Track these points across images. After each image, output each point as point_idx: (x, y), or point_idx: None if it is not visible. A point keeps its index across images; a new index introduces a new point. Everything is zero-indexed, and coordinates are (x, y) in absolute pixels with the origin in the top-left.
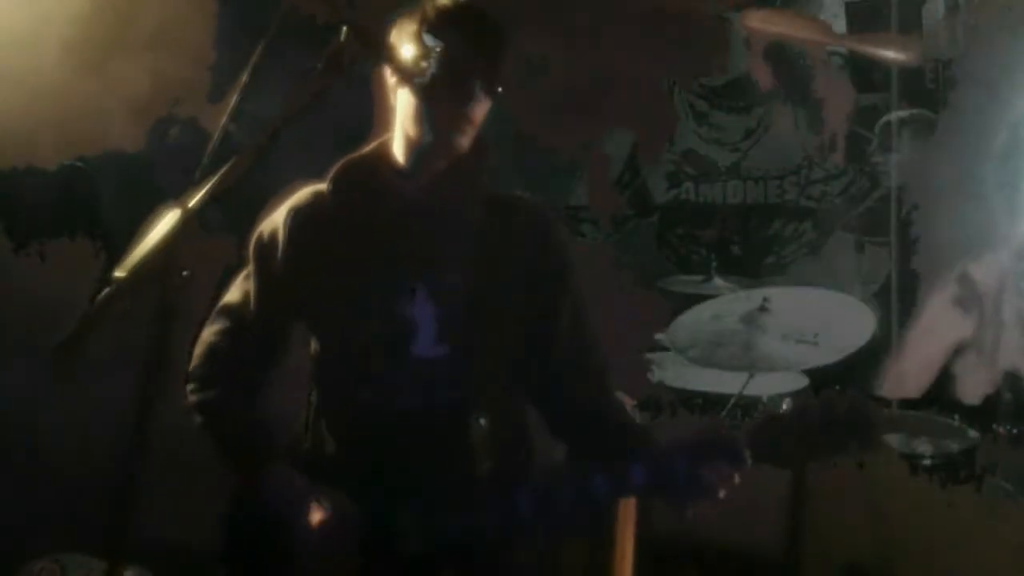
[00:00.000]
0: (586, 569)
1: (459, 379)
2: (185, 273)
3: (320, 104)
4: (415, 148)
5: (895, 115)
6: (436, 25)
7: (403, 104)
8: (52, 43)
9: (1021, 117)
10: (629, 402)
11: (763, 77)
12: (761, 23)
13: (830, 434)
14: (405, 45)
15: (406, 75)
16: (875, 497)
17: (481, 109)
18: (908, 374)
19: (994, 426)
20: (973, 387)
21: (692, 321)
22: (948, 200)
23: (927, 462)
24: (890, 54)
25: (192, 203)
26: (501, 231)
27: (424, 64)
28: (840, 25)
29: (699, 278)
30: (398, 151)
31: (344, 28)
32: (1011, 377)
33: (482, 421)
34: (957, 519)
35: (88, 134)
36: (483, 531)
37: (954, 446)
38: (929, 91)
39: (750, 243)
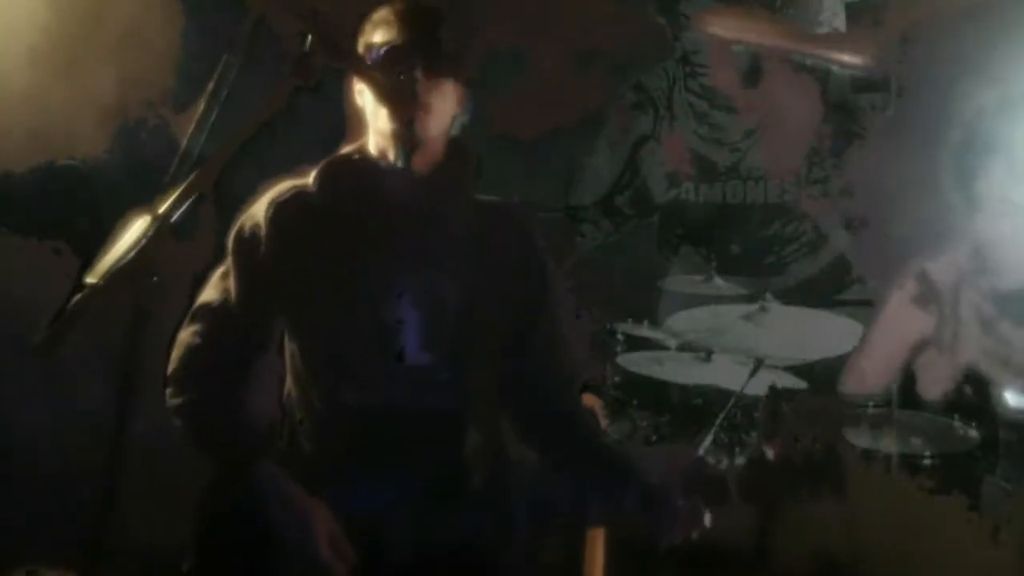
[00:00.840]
0: (559, 567)
1: (445, 386)
2: (155, 279)
3: (287, 111)
4: (383, 140)
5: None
6: (379, 22)
7: (367, 100)
8: (19, 50)
9: (975, 114)
10: (595, 401)
11: (726, 83)
12: (719, 28)
13: (809, 481)
14: (359, 49)
15: (360, 73)
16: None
17: (434, 93)
18: (869, 371)
19: (954, 420)
20: (933, 383)
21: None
22: (905, 198)
23: (926, 462)
24: (844, 57)
25: (162, 209)
26: (487, 238)
27: (370, 59)
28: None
29: (699, 278)
30: (373, 149)
31: (309, 37)
32: (971, 373)
33: (468, 439)
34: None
35: (56, 139)
36: (470, 540)
37: (954, 448)
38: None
39: (750, 243)
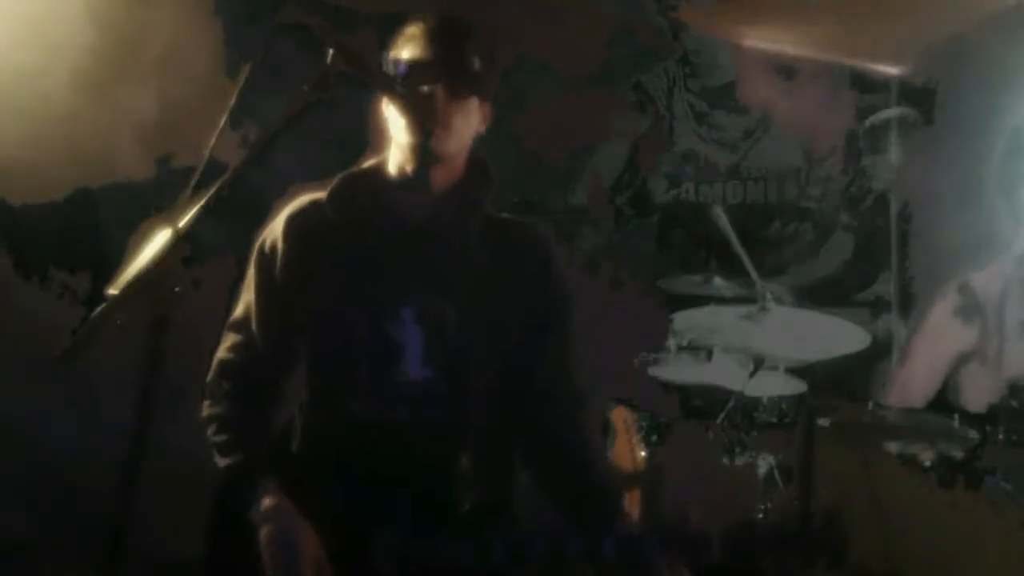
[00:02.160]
0: None
1: (444, 402)
2: (177, 289)
3: (306, 123)
4: (401, 159)
5: (881, 115)
6: (407, 39)
7: (390, 115)
8: (61, 73)
9: (1020, 122)
10: (625, 415)
11: (753, 93)
12: (753, 39)
13: (804, 551)
14: (387, 61)
15: (384, 88)
16: (877, 494)
17: (456, 112)
18: (912, 383)
19: (1000, 434)
20: (977, 396)
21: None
22: (948, 207)
23: (927, 463)
24: (882, 65)
25: (182, 222)
26: (498, 258)
27: (394, 75)
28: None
29: (699, 278)
30: (392, 165)
31: (331, 50)
32: (1016, 386)
33: (464, 460)
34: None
35: (97, 163)
36: (454, 562)
37: (955, 450)
38: (926, 92)
39: (750, 243)
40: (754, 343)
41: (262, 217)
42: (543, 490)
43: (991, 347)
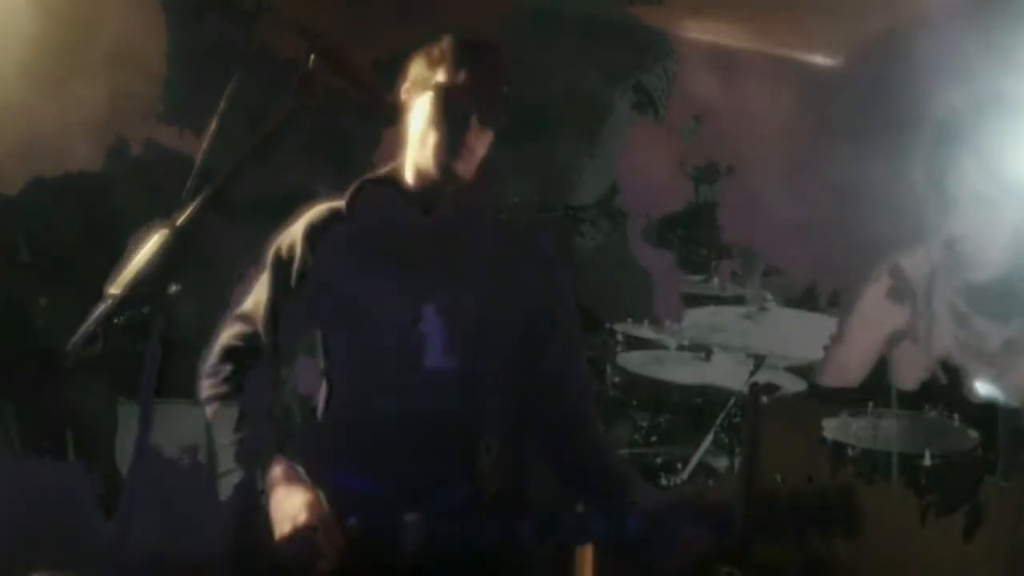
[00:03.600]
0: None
1: (465, 390)
2: (175, 288)
3: (292, 127)
4: (423, 175)
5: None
6: (441, 59)
7: (410, 131)
8: (9, 65)
9: (945, 114)
10: None
11: (697, 87)
12: (695, 30)
13: (821, 522)
14: (414, 77)
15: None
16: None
17: (480, 138)
18: (847, 364)
19: (926, 408)
20: (909, 374)
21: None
22: (879, 196)
23: (927, 463)
24: (817, 58)
25: (179, 222)
26: (507, 254)
27: (424, 92)
28: None
29: (699, 278)
30: (408, 175)
31: (312, 56)
32: (945, 364)
33: (490, 445)
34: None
35: (47, 153)
36: (481, 546)
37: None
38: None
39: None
40: (754, 343)
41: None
42: (558, 473)
43: (921, 326)
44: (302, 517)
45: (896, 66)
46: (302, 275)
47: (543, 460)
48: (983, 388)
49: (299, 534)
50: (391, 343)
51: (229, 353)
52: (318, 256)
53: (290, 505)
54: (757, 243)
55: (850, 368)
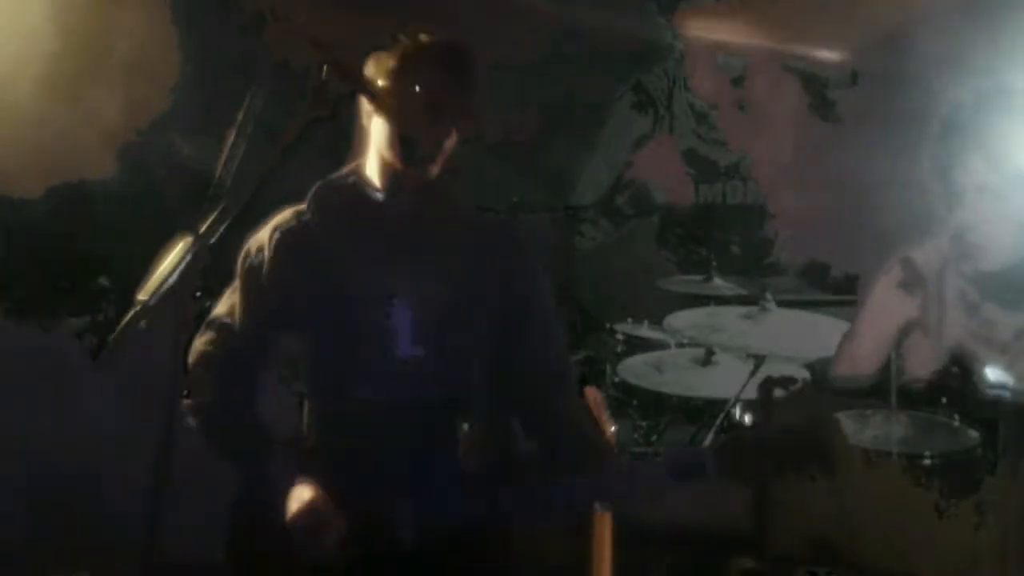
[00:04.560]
0: (568, 551)
1: (436, 377)
2: (198, 294)
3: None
4: (388, 172)
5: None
6: (414, 61)
7: (378, 131)
8: (26, 77)
9: (951, 108)
10: (596, 394)
11: (704, 86)
12: (700, 30)
13: (792, 456)
14: (383, 79)
15: (383, 106)
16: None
17: (453, 140)
18: (860, 355)
19: (943, 400)
20: (921, 364)
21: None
22: (889, 190)
23: (927, 462)
24: (824, 53)
25: (202, 230)
26: (472, 245)
27: (399, 98)
28: None
29: (699, 278)
30: (372, 173)
31: (325, 66)
32: (957, 354)
33: (465, 426)
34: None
35: (63, 162)
36: (468, 523)
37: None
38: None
39: (750, 243)
40: (754, 343)
41: None
42: (541, 455)
43: (932, 317)
44: (309, 503)
45: (902, 61)
46: (271, 277)
47: (527, 438)
48: (994, 376)
49: (309, 518)
50: (363, 334)
51: (204, 359)
52: (284, 257)
53: (299, 495)
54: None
55: (863, 359)
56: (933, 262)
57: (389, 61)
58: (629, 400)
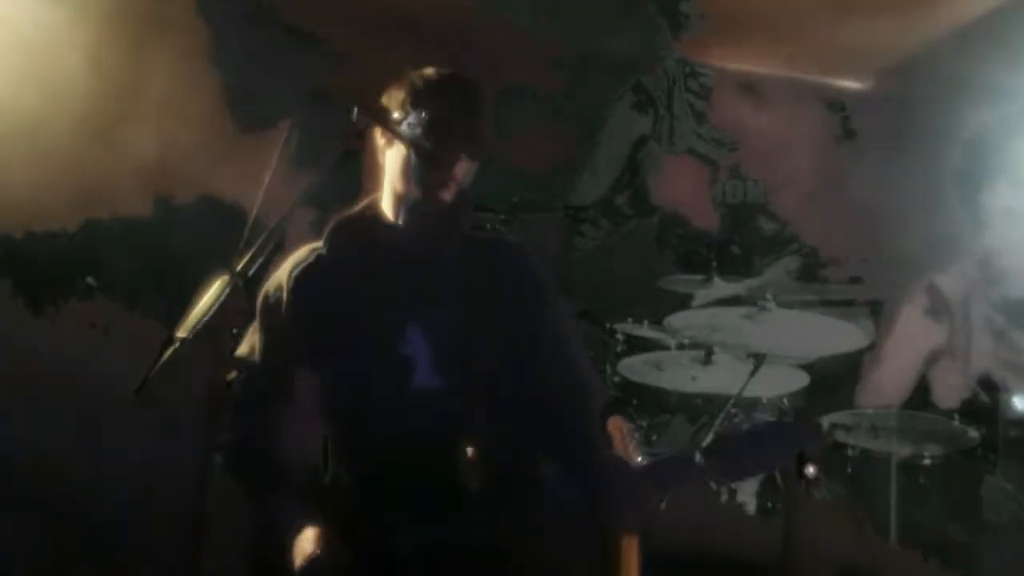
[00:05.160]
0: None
1: (452, 403)
2: (235, 331)
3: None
4: (402, 203)
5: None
6: (423, 93)
7: (392, 163)
8: (63, 116)
9: (975, 134)
10: (622, 425)
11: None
12: (725, 57)
13: (778, 454)
14: (395, 111)
15: (396, 137)
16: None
17: (464, 167)
18: (886, 383)
19: (969, 428)
20: (949, 392)
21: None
22: (913, 216)
23: (927, 463)
24: (844, 82)
25: (239, 268)
26: (483, 270)
27: (411, 129)
28: None
29: (699, 278)
30: (387, 206)
31: (355, 109)
32: (984, 380)
33: (468, 449)
34: None
35: (99, 199)
36: (479, 545)
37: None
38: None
39: (750, 243)
40: (754, 343)
41: None
42: (561, 475)
43: (959, 344)
44: (309, 548)
45: (926, 84)
46: (289, 314)
47: (548, 462)
48: (1021, 403)
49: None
50: (379, 368)
51: (228, 399)
52: (302, 294)
53: (305, 539)
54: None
55: (889, 388)
56: (959, 288)
57: (399, 93)
58: (629, 400)
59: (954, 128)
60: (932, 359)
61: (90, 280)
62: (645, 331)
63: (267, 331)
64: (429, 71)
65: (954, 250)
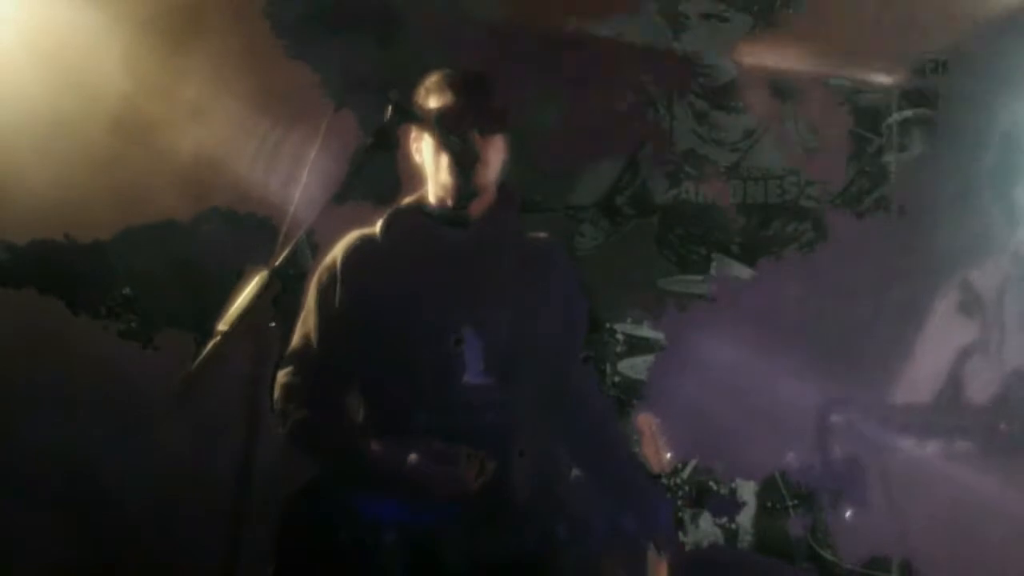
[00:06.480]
0: None
1: (499, 405)
2: (272, 324)
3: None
4: (442, 197)
5: (898, 116)
6: (432, 90)
7: (427, 157)
8: (100, 120)
9: (1010, 129)
10: (651, 421)
11: (758, 106)
12: (753, 58)
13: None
14: (416, 110)
15: (426, 131)
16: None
17: (489, 148)
18: (919, 379)
19: (1001, 425)
20: (981, 387)
21: None
22: (947, 211)
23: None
24: (881, 78)
25: (276, 263)
26: (532, 271)
27: (430, 121)
28: None
29: (699, 278)
30: (433, 199)
31: (390, 107)
32: (1018, 376)
33: (521, 454)
34: None
35: (136, 201)
36: (521, 552)
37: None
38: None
39: (750, 243)
40: None
41: None
42: (591, 483)
43: (992, 340)
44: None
45: (959, 81)
46: (342, 298)
47: (577, 463)
48: None
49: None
50: (429, 361)
51: (290, 391)
52: (355, 280)
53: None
54: None
55: (922, 383)
56: (992, 283)
57: (418, 94)
58: (629, 400)
59: (989, 124)
60: (965, 354)
61: (127, 292)
62: (645, 331)
63: (321, 314)
64: (438, 71)
65: (988, 246)
